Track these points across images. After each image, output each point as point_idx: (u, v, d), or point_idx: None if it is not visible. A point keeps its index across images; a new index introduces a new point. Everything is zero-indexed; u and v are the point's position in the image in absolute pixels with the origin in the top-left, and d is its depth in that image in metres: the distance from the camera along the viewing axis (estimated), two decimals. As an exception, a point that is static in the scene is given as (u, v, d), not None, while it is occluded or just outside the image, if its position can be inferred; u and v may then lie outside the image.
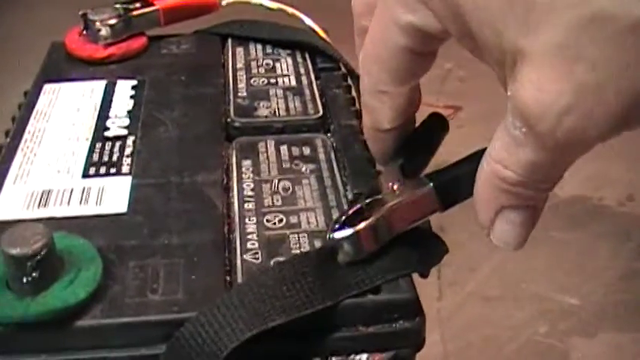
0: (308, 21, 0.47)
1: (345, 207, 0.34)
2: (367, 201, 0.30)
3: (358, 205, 0.31)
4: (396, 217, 0.30)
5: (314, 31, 0.47)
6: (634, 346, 1.08)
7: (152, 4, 0.48)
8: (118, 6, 0.47)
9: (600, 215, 1.31)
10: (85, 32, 0.47)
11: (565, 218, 1.30)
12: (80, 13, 0.47)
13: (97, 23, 0.46)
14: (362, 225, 0.29)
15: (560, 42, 0.21)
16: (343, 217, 0.30)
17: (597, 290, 1.16)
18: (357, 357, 0.30)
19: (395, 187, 0.30)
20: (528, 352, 1.06)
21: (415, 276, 0.31)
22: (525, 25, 0.22)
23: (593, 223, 1.29)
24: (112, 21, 0.46)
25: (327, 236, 0.30)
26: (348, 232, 0.30)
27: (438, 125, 0.34)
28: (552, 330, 1.09)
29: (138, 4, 0.47)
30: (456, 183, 0.29)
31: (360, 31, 0.30)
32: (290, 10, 0.47)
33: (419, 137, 0.32)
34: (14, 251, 0.28)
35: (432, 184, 0.29)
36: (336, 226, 0.30)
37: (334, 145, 0.38)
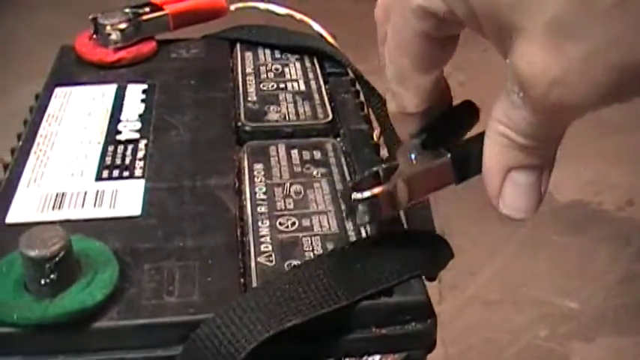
0: (316, 26, 0.48)
1: (357, 210, 0.34)
2: (384, 166, 0.31)
3: (375, 169, 0.31)
4: (413, 184, 0.30)
5: (322, 36, 0.47)
6: (634, 349, 1.08)
7: (161, 9, 0.48)
8: (127, 10, 0.47)
9: (600, 220, 1.32)
10: (95, 36, 0.47)
11: (565, 223, 1.30)
12: (90, 17, 0.47)
13: (108, 27, 0.46)
14: (380, 188, 0.30)
15: (550, 20, 0.22)
16: (359, 179, 0.31)
17: (597, 294, 1.16)
18: (370, 358, 0.30)
19: (412, 156, 0.31)
20: (528, 356, 1.06)
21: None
22: (519, 3, 0.23)
23: (593, 228, 1.29)
24: (122, 25, 0.46)
25: (343, 197, 0.30)
26: (366, 193, 0.30)
27: (468, 112, 0.34)
28: (552, 334, 1.10)
29: (147, 9, 0.48)
30: (472, 156, 0.29)
31: (383, 39, 0.30)
32: (298, 15, 0.48)
33: (447, 120, 0.32)
34: (33, 253, 0.28)
35: (449, 155, 0.30)
36: (350, 185, 0.30)
37: (344, 149, 0.39)
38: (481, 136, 0.28)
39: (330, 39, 0.47)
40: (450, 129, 0.32)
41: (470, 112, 0.33)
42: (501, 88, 0.26)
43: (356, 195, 0.30)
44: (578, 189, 1.36)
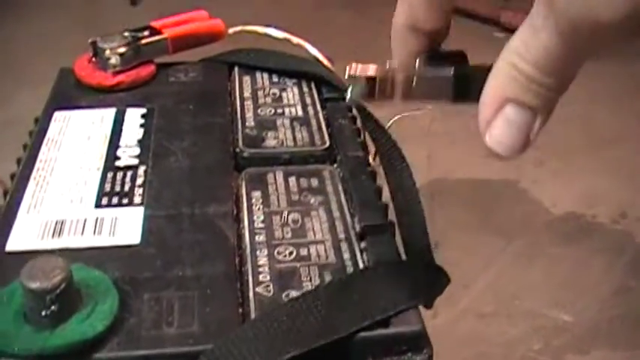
0: (313, 50, 0.48)
1: (354, 239, 0.35)
2: (387, 67, 0.31)
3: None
4: (410, 83, 0.30)
5: (319, 60, 0.48)
6: (628, 362, 1.09)
7: (160, 33, 0.48)
8: (126, 34, 0.48)
9: (594, 232, 1.32)
10: (94, 59, 0.47)
11: (559, 235, 1.31)
12: (90, 40, 0.47)
13: (107, 51, 0.46)
14: (378, 71, 0.30)
15: None
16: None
17: (591, 306, 1.16)
18: (367, 388, 0.30)
19: (416, 63, 0.31)
20: (523, 369, 1.07)
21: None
22: None
23: (587, 240, 1.30)
24: (122, 49, 0.46)
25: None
26: (363, 72, 0.30)
27: (458, 54, 0.34)
28: (546, 347, 1.10)
29: (146, 33, 0.48)
30: (475, 81, 0.29)
31: None
32: (295, 39, 0.48)
33: (440, 56, 0.32)
34: (34, 285, 0.29)
35: (452, 71, 0.30)
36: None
37: (341, 175, 0.39)
38: (489, 66, 0.28)
39: (326, 63, 0.48)
40: (446, 61, 0.32)
41: (460, 55, 0.33)
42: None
43: (352, 71, 0.30)
44: (571, 201, 1.36)
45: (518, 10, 1.87)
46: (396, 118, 0.51)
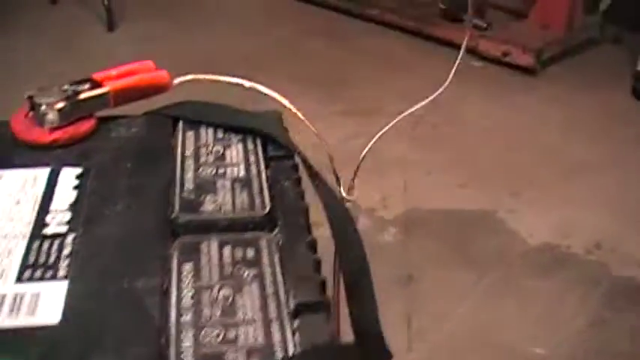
0: (266, 90, 0.47)
1: (286, 319, 0.33)
2: None
3: None
4: None
5: (275, 98, 0.46)
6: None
7: (101, 86, 0.46)
8: (66, 87, 0.46)
9: (569, 263, 1.32)
10: (30, 114, 0.45)
11: (534, 266, 1.30)
12: (26, 95, 0.45)
13: (43, 107, 0.44)
14: None
15: None
16: None
17: (567, 338, 1.16)
18: None
19: None
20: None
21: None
22: None
23: (563, 271, 1.29)
24: (59, 105, 0.45)
25: None
26: None
27: None
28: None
29: (87, 86, 0.46)
30: None
31: None
32: (247, 83, 0.47)
33: None
34: None
35: None
36: None
37: (280, 242, 0.38)
38: None
39: (283, 101, 0.46)
40: None
41: None
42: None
43: None
44: (546, 233, 1.36)
45: (495, 38, 1.88)
46: (373, 141, 0.50)
